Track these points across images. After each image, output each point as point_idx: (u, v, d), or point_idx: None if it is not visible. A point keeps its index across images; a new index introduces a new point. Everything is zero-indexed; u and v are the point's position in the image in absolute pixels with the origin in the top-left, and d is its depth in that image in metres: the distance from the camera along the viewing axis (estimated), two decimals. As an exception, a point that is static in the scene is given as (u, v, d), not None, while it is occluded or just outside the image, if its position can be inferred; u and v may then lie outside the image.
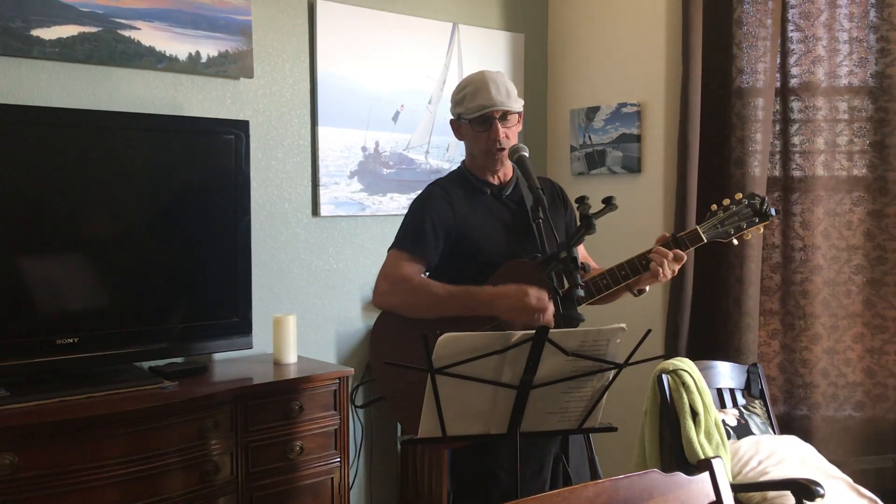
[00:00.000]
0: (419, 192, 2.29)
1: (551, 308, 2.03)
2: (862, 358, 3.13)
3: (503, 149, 2.17)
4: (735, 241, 2.18)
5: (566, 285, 1.84)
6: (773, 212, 2.15)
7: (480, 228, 2.19)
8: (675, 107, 3.25)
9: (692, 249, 2.14)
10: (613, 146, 3.49)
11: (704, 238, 2.12)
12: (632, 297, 2.20)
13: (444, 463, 2.19)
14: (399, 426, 3.22)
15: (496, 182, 2.26)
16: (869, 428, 3.11)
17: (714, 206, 2.18)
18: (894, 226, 3.06)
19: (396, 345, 2.14)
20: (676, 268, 2.10)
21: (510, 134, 2.19)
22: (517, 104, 2.18)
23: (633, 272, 2.09)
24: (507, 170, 2.27)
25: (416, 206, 2.24)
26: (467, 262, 2.16)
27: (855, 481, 2.66)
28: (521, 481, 2.10)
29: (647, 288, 2.19)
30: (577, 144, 3.63)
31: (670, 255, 2.07)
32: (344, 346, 3.21)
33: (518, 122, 2.21)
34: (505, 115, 2.16)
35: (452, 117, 2.26)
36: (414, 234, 2.18)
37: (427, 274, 2.21)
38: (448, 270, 2.18)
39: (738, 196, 2.17)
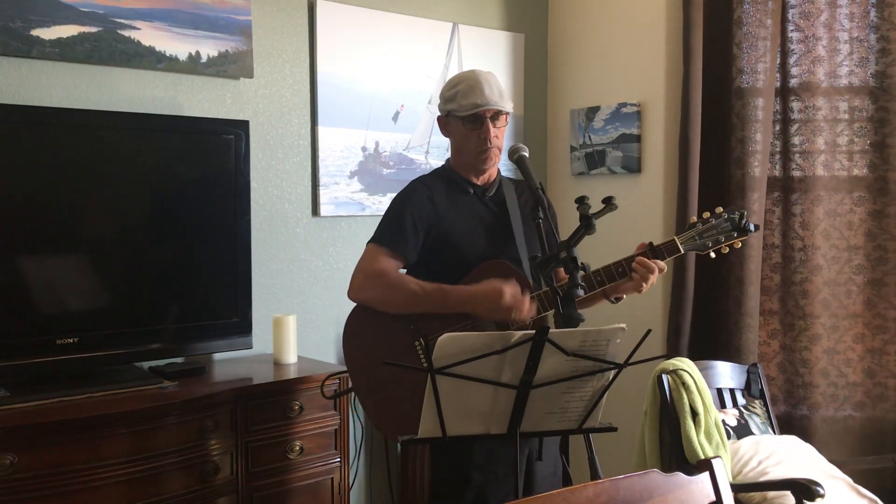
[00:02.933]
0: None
1: (527, 304, 2.03)
2: (863, 358, 3.13)
3: (492, 148, 2.18)
4: (713, 255, 2.17)
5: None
6: (752, 227, 2.13)
7: (461, 228, 2.19)
8: (676, 107, 3.25)
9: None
10: (613, 146, 3.49)
11: (682, 249, 2.12)
12: (633, 298, 2.20)
13: (426, 462, 2.19)
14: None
15: (480, 183, 2.27)
16: (869, 428, 3.11)
17: (693, 219, 2.17)
18: (895, 226, 3.06)
19: (366, 339, 2.15)
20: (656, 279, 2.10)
21: (499, 134, 2.20)
22: (508, 105, 2.20)
23: (608, 279, 2.08)
24: (492, 171, 2.28)
25: (397, 202, 2.23)
26: (445, 260, 2.17)
27: (855, 481, 2.66)
28: (494, 480, 2.11)
29: (625, 297, 2.18)
30: (577, 144, 3.63)
31: (656, 269, 2.06)
32: (344, 347, 3.20)
33: (506, 123, 2.22)
34: (496, 116, 2.17)
35: (441, 113, 2.26)
36: (394, 229, 2.18)
37: (405, 271, 2.20)
38: (425, 267, 2.18)
39: (719, 210, 2.17)
